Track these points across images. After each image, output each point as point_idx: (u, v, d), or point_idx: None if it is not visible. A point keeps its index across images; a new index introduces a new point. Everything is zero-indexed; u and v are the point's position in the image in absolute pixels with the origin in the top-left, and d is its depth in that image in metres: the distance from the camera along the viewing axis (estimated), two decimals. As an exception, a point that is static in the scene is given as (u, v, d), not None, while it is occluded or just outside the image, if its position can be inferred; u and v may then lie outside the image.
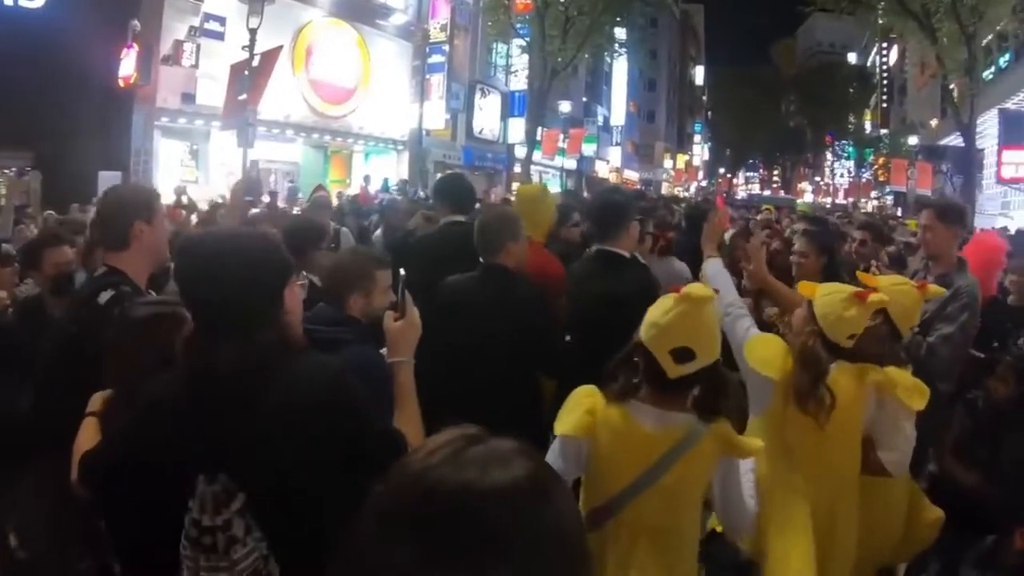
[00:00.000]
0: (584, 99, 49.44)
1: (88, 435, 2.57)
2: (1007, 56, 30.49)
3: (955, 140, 31.08)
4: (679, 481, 2.75)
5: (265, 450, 2.07)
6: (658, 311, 2.75)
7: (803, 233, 5.62)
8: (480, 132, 36.25)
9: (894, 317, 3.56)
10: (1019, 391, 4.64)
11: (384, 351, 2.81)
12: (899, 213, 28.81)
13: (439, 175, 19.18)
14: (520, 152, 35.54)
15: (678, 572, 2.87)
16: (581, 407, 2.84)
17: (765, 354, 3.39)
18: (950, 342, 4.58)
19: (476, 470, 1.01)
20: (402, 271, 2.56)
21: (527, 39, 32.96)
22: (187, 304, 2.31)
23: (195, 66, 20.84)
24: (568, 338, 4.59)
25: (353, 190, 22.40)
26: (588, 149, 46.02)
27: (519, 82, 36.78)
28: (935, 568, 4.41)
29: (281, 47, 15.39)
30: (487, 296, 4.32)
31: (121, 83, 19.55)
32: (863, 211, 27.47)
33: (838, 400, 3.21)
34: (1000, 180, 25.42)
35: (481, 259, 4.49)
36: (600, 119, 53.55)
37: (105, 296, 3.16)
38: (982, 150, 26.28)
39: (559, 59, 31.79)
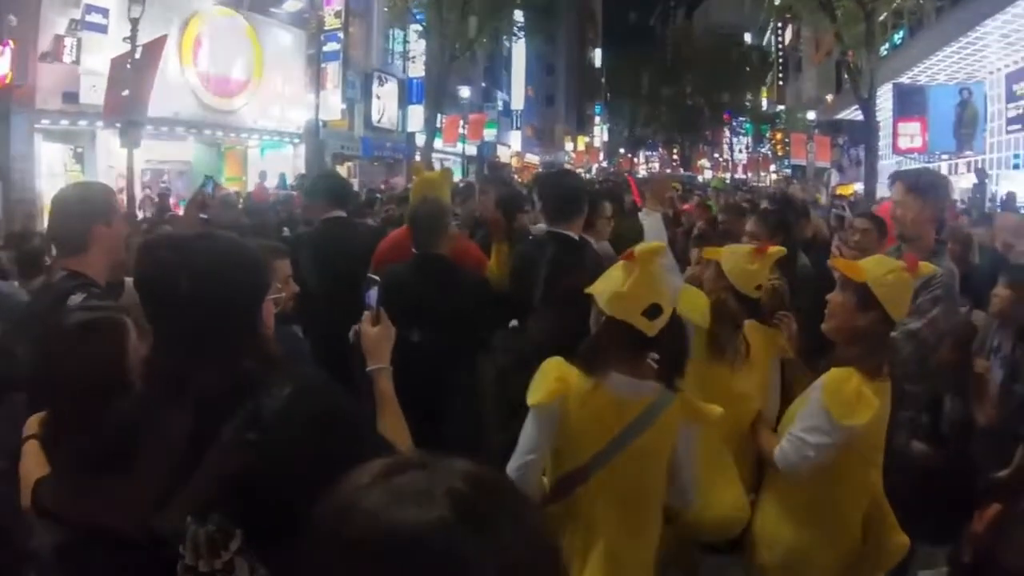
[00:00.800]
0: (483, 84, 49.42)
1: (33, 460, 2.38)
2: (901, 33, 31.82)
3: (851, 114, 32.21)
4: (650, 444, 2.85)
5: (262, 479, 1.82)
6: (615, 281, 2.84)
7: (758, 213, 5.59)
8: (379, 121, 35.50)
9: (885, 306, 3.23)
10: (957, 356, 4.57)
11: None
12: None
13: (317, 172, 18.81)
14: (420, 140, 34.98)
15: (645, 536, 2.99)
16: (550, 376, 2.87)
17: (696, 303, 3.47)
18: (915, 339, 4.00)
19: (392, 501, 0.99)
20: (376, 277, 2.42)
21: (424, 24, 32.55)
22: (156, 316, 2.00)
23: (77, 62, 19.54)
24: (515, 323, 4.57)
25: (250, 188, 21.79)
26: (489, 134, 45.89)
27: (417, 69, 36.43)
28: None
29: (165, 36, 14.77)
30: (430, 285, 4.35)
31: (-5, 84, 18.46)
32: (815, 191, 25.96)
33: (750, 351, 3.55)
34: (896, 151, 26.18)
35: (415, 250, 4.55)
36: (500, 104, 53.63)
37: (76, 300, 2.96)
38: (878, 122, 26.97)
39: (457, 44, 31.45)
